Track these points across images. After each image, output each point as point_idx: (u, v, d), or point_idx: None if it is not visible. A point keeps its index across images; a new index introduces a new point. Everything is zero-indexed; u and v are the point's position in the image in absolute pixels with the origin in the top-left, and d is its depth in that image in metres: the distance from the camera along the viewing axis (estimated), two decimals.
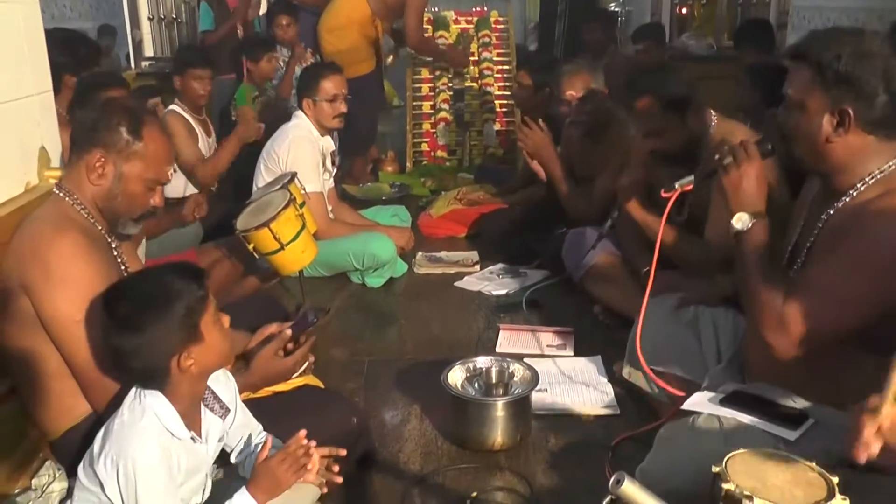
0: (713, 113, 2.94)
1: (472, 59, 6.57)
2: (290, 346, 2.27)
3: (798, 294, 1.86)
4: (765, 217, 2.04)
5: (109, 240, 2.10)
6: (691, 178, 2.30)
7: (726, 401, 1.98)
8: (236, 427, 1.96)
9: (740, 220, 2.04)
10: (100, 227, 2.08)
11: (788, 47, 1.98)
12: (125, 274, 2.08)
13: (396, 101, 8.55)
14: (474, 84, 6.48)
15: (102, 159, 2.03)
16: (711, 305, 2.60)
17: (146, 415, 1.72)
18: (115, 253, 2.11)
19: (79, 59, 4.00)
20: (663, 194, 2.32)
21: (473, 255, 4.36)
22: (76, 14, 9.50)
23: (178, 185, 4.22)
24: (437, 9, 8.26)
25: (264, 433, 2.01)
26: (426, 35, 6.03)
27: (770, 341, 1.88)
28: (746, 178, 2.06)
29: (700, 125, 2.88)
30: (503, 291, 3.87)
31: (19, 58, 2.51)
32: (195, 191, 4.27)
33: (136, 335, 1.70)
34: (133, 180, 2.06)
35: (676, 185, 2.30)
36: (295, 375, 2.32)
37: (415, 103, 6.39)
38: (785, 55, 2.04)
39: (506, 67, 6.51)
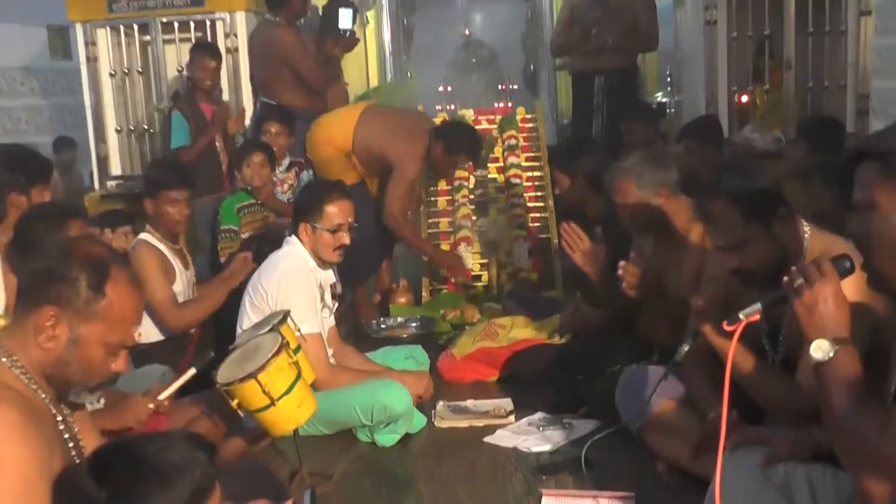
0: (804, 222, 2.91)
1: (497, 165, 6.66)
2: None
3: None
4: (850, 344, 2.03)
5: (55, 411, 2.06)
6: (758, 306, 2.31)
7: None
8: None
9: (820, 349, 2.03)
10: (44, 396, 2.03)
11: (847, 149, 2.02)
12: (74, 453, 2.03)
13: None
14: (500, 195, 6.54)
15: (55, 319, 2.00)
16: (805, 461, 2.52)
17: None
18: (64, 426, 2.06)
19: (27, 176, 4.04)
20: (726, 327, 2.32)
21: (507, 403, 4.29)
22: (32, 127, 9.83)
23: (147, 331, 4.22)
24: (452, 107, 8.47)
25: None
26: (407, 216, 6.01)
27: (866, 486, 1.86)
28: (822, 301, 2.06)
29: (791, 237, 2.84)
30: (545, 448, 3.79)
31: None
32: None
33: None
34: (91, 344, 2.03)
35: (741, 316, 2.30)
36: None
37: (430, 220, 6.46)
38: (847, 158, 2.08)
39: (537, 174, 6.59)
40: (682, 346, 3.08)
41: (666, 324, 3.88)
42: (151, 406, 3.24)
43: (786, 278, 2.16)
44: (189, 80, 6.20)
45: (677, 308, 3.66)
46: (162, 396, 3.27)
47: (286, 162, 5.96)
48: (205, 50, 6.12)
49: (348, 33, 6.61)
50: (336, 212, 4.06)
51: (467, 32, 11.80)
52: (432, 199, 6.54)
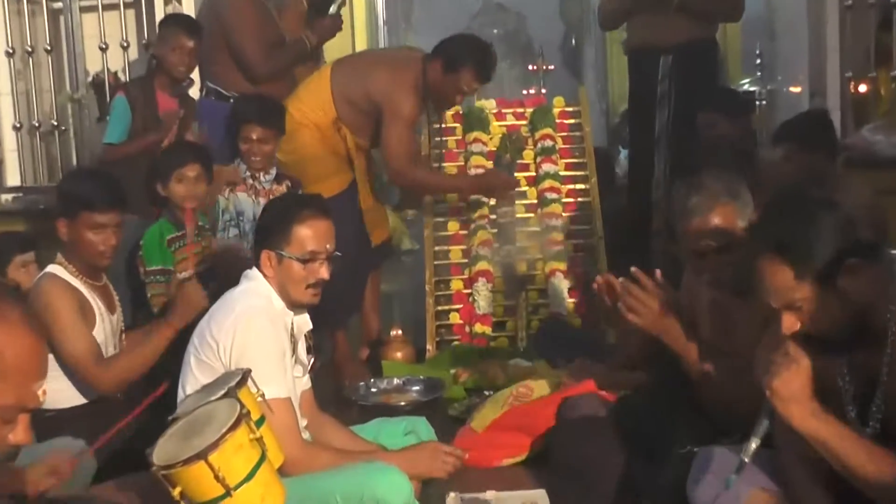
0: None
1: (526, 174, 6.68)
2: None
3: None
4: None
5: None
6: None
7: None
8: None
9: None
10: None
11: None
12: None
13: (408, 244, 8.64)
14: (531, 214, 6.54)
15: None
16: None
17: None
18: None
19: None
20: None
21: (540, 495, 4.31)
22: None
23: (62, 393, 4.24)
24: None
25: None
26: (417, 166, 6.18)
27: None
28: None
29: (868, 290, 2.88)
30: None
31: None
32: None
33: None
34: None
35: None
36: None
37: (438, 248, 6.50)
38: None
39: (580, 186, 6.60)
40: (751, 442, 3.09)
41: (732, 402, 3.88)
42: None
43: None
44: (153, 59, 6.20)
45: (745, 388, 3.70)
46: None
47: (273, 171, 5.94)
48: (180, 25, 6.14)
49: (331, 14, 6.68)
50: (310, 235, 4.00)
51: None
52: (440, 220, 6.57)
